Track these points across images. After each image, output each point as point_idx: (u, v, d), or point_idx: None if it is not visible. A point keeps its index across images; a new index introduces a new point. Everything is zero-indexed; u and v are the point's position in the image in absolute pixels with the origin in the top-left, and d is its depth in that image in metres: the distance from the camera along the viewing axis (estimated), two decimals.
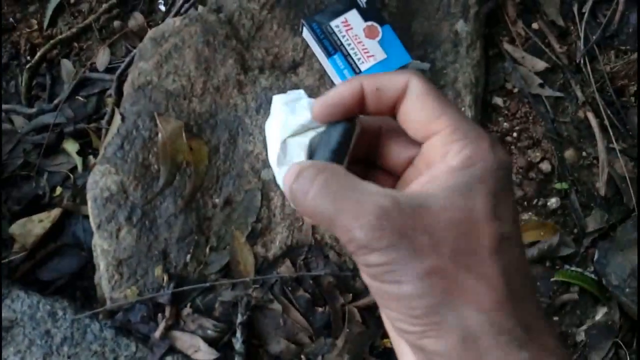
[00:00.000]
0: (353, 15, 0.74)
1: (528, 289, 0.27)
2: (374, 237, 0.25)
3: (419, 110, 0.28)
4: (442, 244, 0.25)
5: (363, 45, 0.73)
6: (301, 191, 0.27)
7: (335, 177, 0.27)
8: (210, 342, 0.67)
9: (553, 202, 0.77)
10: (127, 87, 0.77)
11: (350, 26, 0.74)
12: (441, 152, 0.27)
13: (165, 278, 0.69)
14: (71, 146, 0.92)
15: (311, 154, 0.30)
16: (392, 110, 0.30)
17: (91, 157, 0.92)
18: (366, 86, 0.29)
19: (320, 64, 0.77)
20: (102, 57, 1.00)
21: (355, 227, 0.25)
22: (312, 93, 0.77)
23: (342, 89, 0.30)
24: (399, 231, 0.25)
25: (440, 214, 0.26)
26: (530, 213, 0.77)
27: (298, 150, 0.31)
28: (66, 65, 1.02)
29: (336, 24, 0.74)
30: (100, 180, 0.72)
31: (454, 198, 0.26)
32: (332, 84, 0.77)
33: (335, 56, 0.73)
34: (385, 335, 0.71)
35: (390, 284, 0.26)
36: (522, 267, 0.27)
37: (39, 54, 0.99)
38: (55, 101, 0.96)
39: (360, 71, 0.72)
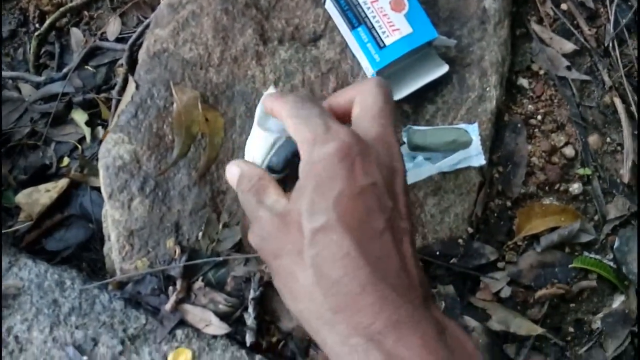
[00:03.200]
0: None
1: (342, 270, 0.29)
2: (251, 240, 0.35)
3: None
4: (283, 249, 0.31)
5: (388, 18, 0.70)
6: (240, 189, 0.37)
7: (262, 185, 0.35)
8: (222, 316, 0.66)
9: (575, 187, 0.75)
10: (142, 54, 0.75)
11: None
12: None
13: (177, 251, 0.67)
14: (80, 116, 0.90)
15: (269, 153, 0.45)
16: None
17: (100, 128, 0.90)
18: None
19: (342, 37, 0.75)
20: (112, 27, 0.98)
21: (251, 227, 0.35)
22: (333, 67, 0.75)
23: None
24: (261, 237, 0.33)
25: (284, 219, 0.32)
26: (551, 198, 0.75)
27: (264, 143, 0.46)
28: (76, 34, 0.99)
29: None
30: (113, 149, 0.70)
31: (293, 201, 0.32)
32: (354, 58, 0.74)
33: (359, 29, 0.70)
34: None
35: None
36: (338, 251, 0.29)
37: (48, 21, 0.97)
38: (65, 70, 0.94)
39: (384, 45, 0.69)
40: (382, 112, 0.35)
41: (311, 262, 0.29)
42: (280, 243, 0.31)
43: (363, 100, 0.36)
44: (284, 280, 0.31)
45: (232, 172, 0.37)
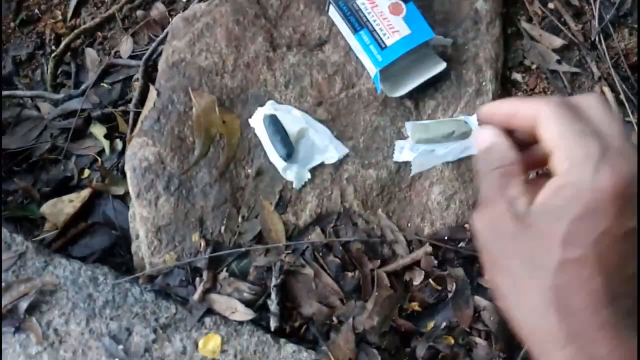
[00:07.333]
0: None
1: (585, 304, 0.29)
2: (477, 221, 0.33)
3: (546, 132, 0.31)
4: (515, 252, 0.31)
5: (388, 21, 0.76)
6: (486, 162, 0.34)
7: (511, 171, 0.33)
8: (247, 304, 0.70)
9: None
10: (161, 64, 0.80)
11: (375, 3, 0.77)
12: (554, 171, 0.30)
13: (203, 244, 0.71)
14: (98, 130, 0.95)
15: None
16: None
17: (118, 140, 0.94)
18: (507, 108, 0.33)
19: (346, 41, 0.80)
20: (125, 46, 1.03)
21: None
22: (338, 69, 0.80)
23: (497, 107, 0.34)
24: (491, 227, 0.32)
25: (524, 224, 0.30)
26: None
27: None
28: (90, 53, 1.05)
29: (362, 1, 0.77)
30: (139, 152, 0.75)
31: (541, 215, 0.30)
32: (357, 60, 0.80)
33: (362, 32, 0.76)
34: (412, 298, 0.74)
35: None
36: (586, 286, 0.29)
37: (63, 43, 1.02)
38: (82, 87, 0.99)
39: (386, 46, 0.75)
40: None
41: (553, 286, 0.29)
42: (512, 245, 0.31)
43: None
44: (507, 278, 0.32)
45: (484, 139, 0.34)
